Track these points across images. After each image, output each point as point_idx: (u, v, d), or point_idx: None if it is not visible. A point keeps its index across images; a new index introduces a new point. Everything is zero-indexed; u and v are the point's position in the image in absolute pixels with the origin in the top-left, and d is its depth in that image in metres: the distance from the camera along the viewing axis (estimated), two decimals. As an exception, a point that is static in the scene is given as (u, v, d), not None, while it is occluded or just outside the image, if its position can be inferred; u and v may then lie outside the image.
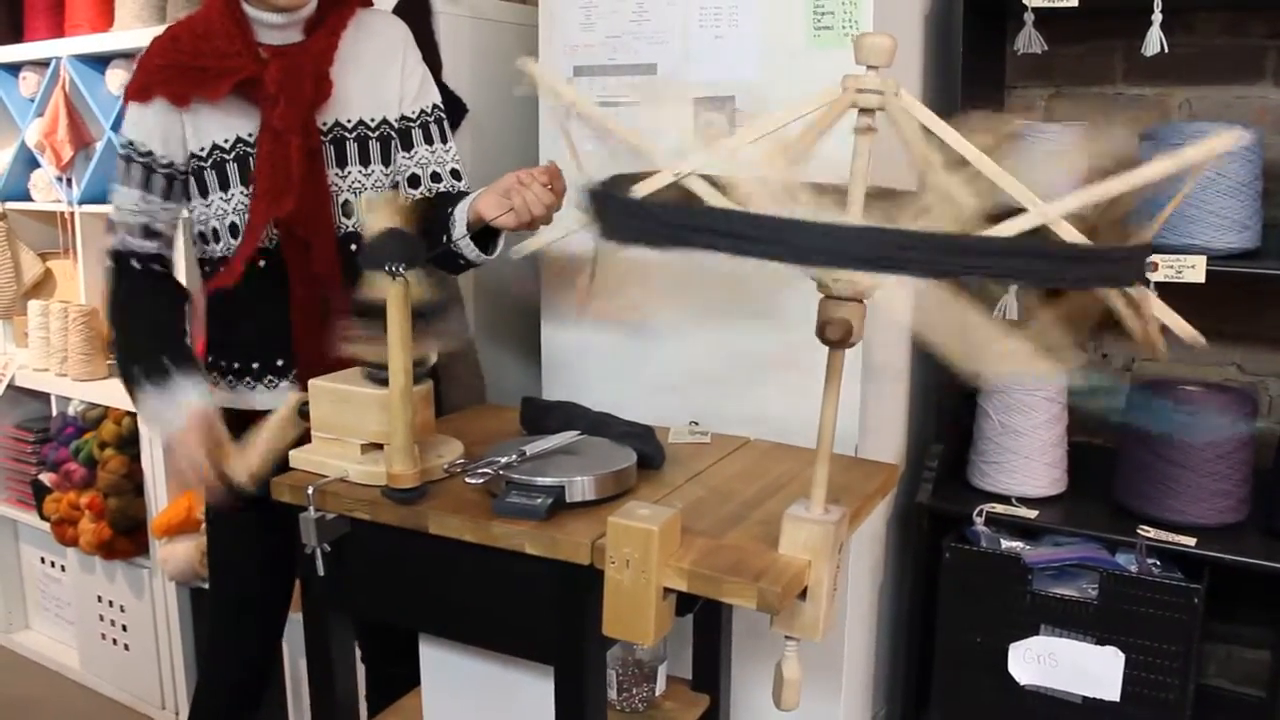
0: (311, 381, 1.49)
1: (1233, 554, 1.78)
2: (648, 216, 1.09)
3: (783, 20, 1.79)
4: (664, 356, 1.97)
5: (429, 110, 1.83)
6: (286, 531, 1.61)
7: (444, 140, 1.84)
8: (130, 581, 2.92)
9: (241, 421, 1.63)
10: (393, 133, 1.79)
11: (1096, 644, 1.82)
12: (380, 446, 1.42)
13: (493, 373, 2.31)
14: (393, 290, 1.31)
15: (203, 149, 1.71)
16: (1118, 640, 1.80)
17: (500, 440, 1.49)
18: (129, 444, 2.82)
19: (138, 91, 1.70)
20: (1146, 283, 1.16)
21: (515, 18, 2.35)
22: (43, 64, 3.05)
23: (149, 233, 1.73)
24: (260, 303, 1.72)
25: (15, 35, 3.22)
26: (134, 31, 2.78)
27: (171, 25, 1.80)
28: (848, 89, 1.14)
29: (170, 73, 1.68)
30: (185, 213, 1.78)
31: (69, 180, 3.02)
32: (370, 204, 1.37)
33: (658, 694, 1.73)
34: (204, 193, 1.73)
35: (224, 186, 1.72)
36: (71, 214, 3.03)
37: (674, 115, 1.84)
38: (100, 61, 2.92)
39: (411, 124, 1.81)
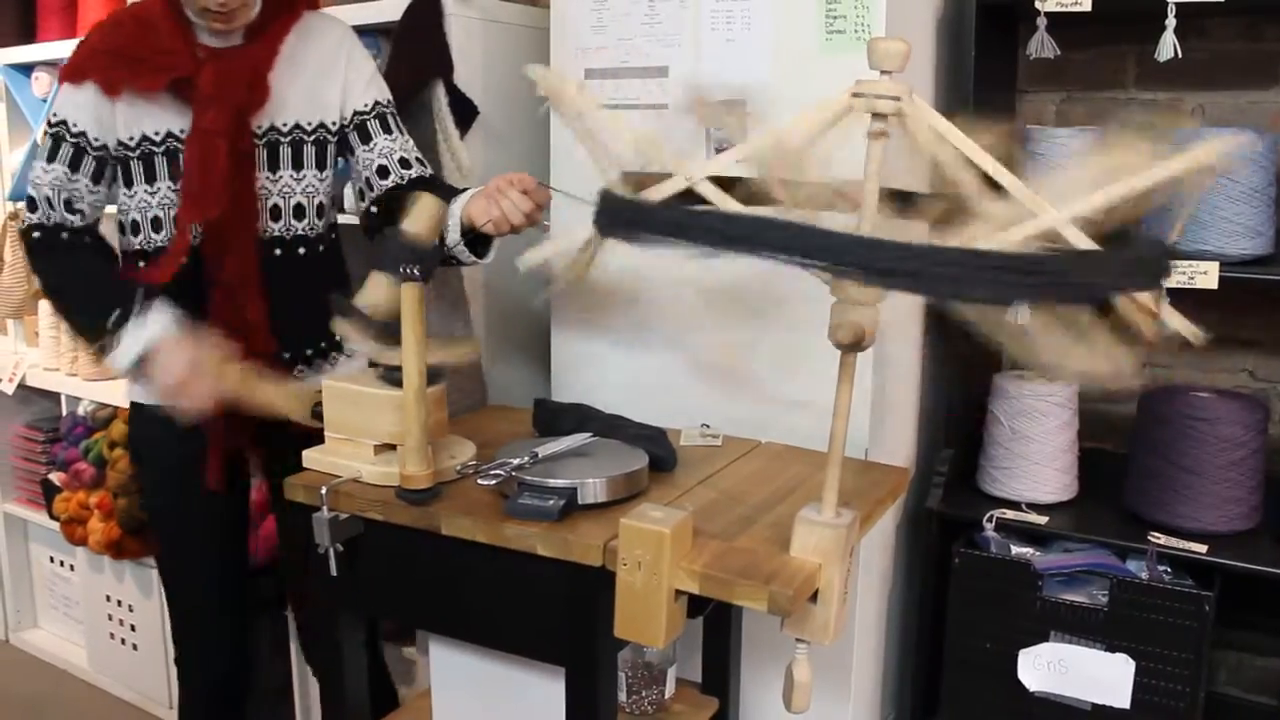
0: (326, 382, 1.49)
1: (1244, 561, 1.77)
2: (640, 213, 1.10)
3: (795, 23, 1.79)
4: (676, 359, 1.97)
5: (384, 103, 1.84)
6: (235, 524, 1.61)
7: (401, 132, 1.86)
8: (139, 581, 2.92)
9: (143, 417, 1.69)
10: (329, 137, 1.80)
11: (1106, 651, 1.81)
12: (393, 447, 1.42)
13: (502, 375, 2.31)
14: (406, 293, 1.31)
15: (131, 139, 1.69)
16: (1128, 647, 1.79)
17: (513, 442, 1.49)
18: (139, 444, 2.82)
19: (71, 73, 1.68)
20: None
21: (527, 20, 2.35)
22: (55, 64, 3.06)
23: (71, 209, 1.70)
24: (179, 298, 1.64)
25: (28, 35, 3.24)
26: (147, 32, 2.79)
27: (116, 10, 1.80)
28: (860, 93, 1.14)
29: (106, 59, 1.67)
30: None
31: (81, 180, 3.02)
32: (418, 209, 1.37)
33: (667, 697, 1.73)
34: (128, 183, 1.72)
35: (149, 179, 1.71)
36: (83, 214, 3.04)
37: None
38: (113, 62, 2.92)
39: (366, 116, 1.81)
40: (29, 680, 3.22)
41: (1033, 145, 1.95)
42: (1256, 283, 1.79)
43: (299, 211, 1.79)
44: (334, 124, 1.80)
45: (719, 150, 1.84)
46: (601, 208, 1.20)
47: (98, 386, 2.94)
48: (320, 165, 1.80)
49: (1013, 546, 1.95)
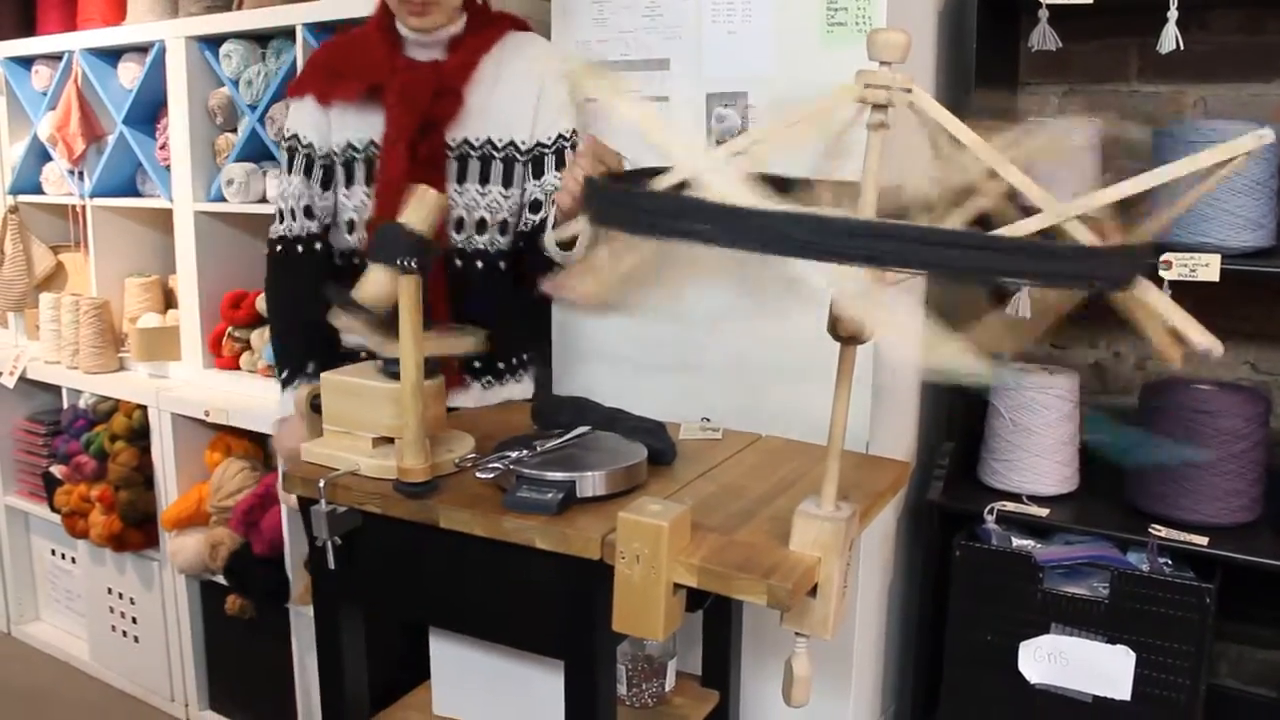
0: (324, 375, 1.49)
1: (1245, 554, 1.77)
2: (629, 204, 1.10)
3: (796, 16, 1.79)
4: (675, 353, 1.96)
5: (566, 135, 1.84)
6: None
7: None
8: (140, 574, 2.93)
9: None
10: (518, 155, 1.82)
11: (1107, 643, 1.81)
12: (391, 440, 1.42)
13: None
14: (404, 285, 1.31)
15: (338, 146, 1.81)
16: (1129, 639, 1.79)
17: (511, 435, 1.49)
18: (139, 437, 2.82)
19: (294, 88, 1.85)
20: (1159, 283, 1.15)
21: (529, 13, 2.33)
22: (55, 57, 3.06)
23: (310, 214, 1.84)
24: None
25: (28, 29, 3.23)
26: (146, 25, 2.79)
27: (339, 33, 1.94)
28: (861, 84, 1.14)
29: (321, 72, 1.82)
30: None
31: (80, 174, 3.03)
32: (417, 200, 1.37)
33: (667, 690, 1.73)
34: (345, 184, 1.84)
35: (349, 183, 1.82)
36: (83, 207, 3.04)
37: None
38: (112, 55, 2.92)
39: (546, 150, 1.82)
40: (31, 672, 3.23)
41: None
42: (1258, 275, 1.78)
43: (481, 226, 1.81)
44: (523, 144, 1.82)
45: (719, 143, 1.84)
46: (591, 196, 1.19)
47: (99, 380, 2.94)
48: (506, 183, 1.82)
49: (1014, 539, 1.95)
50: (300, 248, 1.84)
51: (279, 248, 1.85)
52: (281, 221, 1.85)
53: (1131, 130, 2.05)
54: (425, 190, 1.38)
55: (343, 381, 1.46)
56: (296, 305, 1.83)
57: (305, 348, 1.82)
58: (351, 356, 1.75)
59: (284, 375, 1.82)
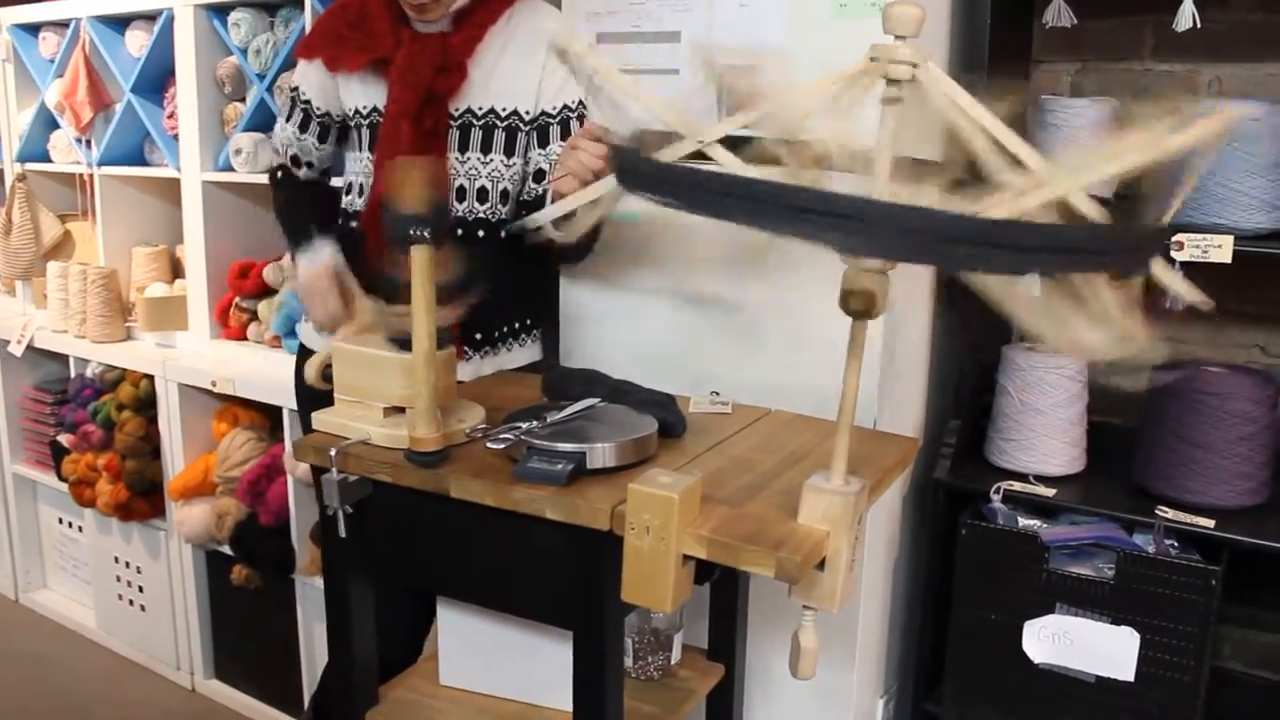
0: (335, 344, 1.49)
1: (1252, 537, 1.77)
2: (655, 171, 1.09)
3: (809, -12, 1.78)
4: (686, 326, 1.96)
5: (572, 106, 1.84)
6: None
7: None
8: (147, 543, 2.94)
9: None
10: (521, 124, 1.82)
11: (1112, 624, 1.81)
12: (402, 410, 1.42)
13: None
14: (416, 255, 1.31)
15: (345, 111, 1.86)
16: (1133, 620, 1.80)
17: (522, 406, 1.49)
18: (146, 406, 2.83)
19: (303, 48, 1.88)
20: (1171, 264, 1.14)
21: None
22: (63, 24, 3.05)
23: (298, 163, 1.96)
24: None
25: (36, -5, 3.22)
26: (155, -7, 2.77)
27: None
28: (875, 58, 1.13)
29: (329, 38, 1.83)
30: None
31: (88, 142, 3.02)
32: (405, 169, 1.36)
33: (674, 662, 1.74)
34: (322, 140, 1.93)
35: (355, 149, 1.87)
36: (91, 176, 3.04)
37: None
38: (120, 23, 2.92)
39: (551, 120, 1.83)
40: (38, 640, 3.25)
41: (1047, 115, 1.93)
42: (1271, 257, 1.77)
43: (482, 195, 1.82)
44: (527, 113, 1.82)
45: (730, 115, 1.83)
46: (621, 164, 1.19)
47: (106, 349, 2.95)
48: (509, 152, 1.82)
49: (1019, 518, 1.95)
50: (292, 176, 1.98)
51: (279, 174, 1.99)
52: (276, 157, 1.99)
53: (1144, 109, 2.04)
54: (406, 164, 1.36)
55: (355, 351, 1.46)
56: (297, 197, 1.97)
57: (308, 214, 1.90)
58: (350, 220, 1.88)
59: (294, 244, 1.88)
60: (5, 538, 3.46)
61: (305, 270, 1.83)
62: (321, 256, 1.81)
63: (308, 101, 1.89)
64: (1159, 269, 1.11)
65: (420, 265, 1.31)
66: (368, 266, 1.71)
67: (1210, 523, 1.80)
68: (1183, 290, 1.12)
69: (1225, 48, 2.06)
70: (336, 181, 2.00)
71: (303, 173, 1.97)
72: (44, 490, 3.35)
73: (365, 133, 1.83)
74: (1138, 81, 2.15)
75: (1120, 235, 1.06)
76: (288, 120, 1.93)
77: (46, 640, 3.25)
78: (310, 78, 1.87)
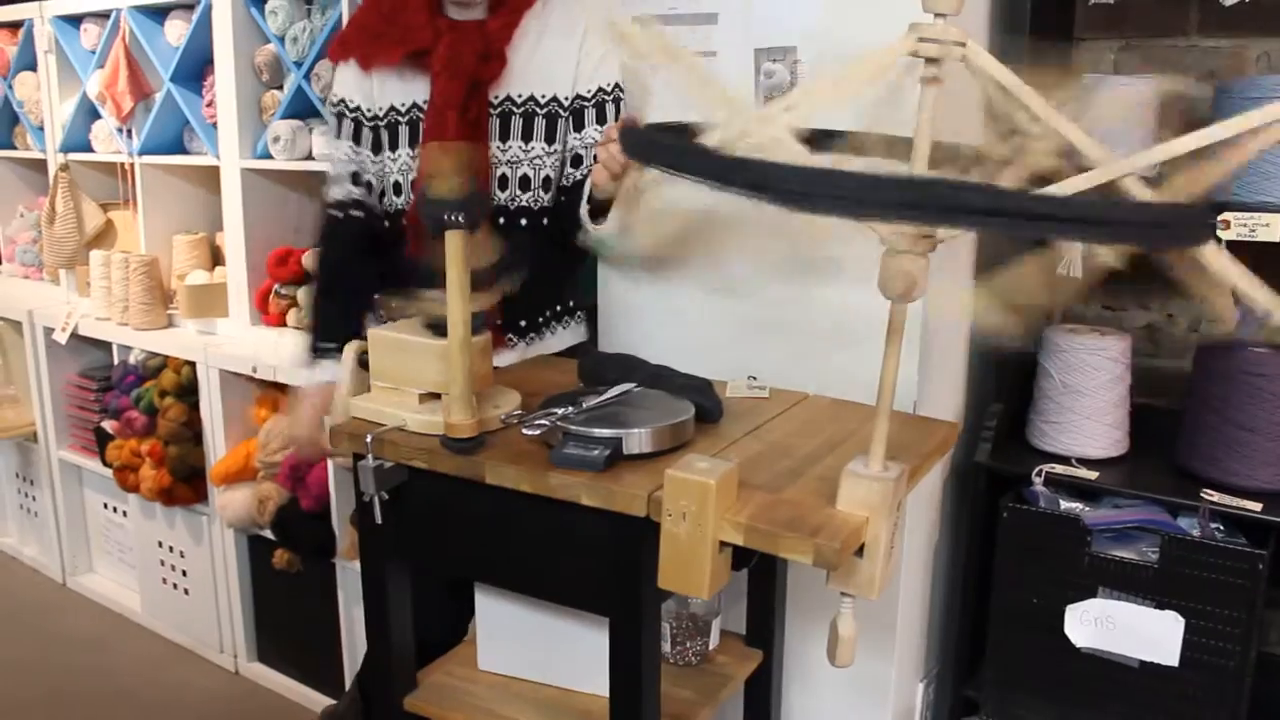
0: (370, 331, 1.49)
1: (1300, 520, 1.74)
2: (688, 152, 1.08)
3: (847, -32, 1.75)
4: (723, 310, 1.95)
5: (608, 89, 1.83)
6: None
7: (617, 120, 1.84)
8: (190, 527, 2.98)
9: None
10: (561, 111, 1.81)
11: (1156, 608, 1.79)
12: (438, 396, 1.42)
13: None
14: (450, 240, 1.30)
15: (382, 109, 1.81)
16: (1177, 605, 1.77)
17: (558, 392, 1.49)
18: (188, 393, 2.86)
19: (337, 49, 1.85)
20: (1218, 243, 1.11)
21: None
22: (103, 16, 3.08)
23: (358, 181, 1.87)
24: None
25: (77, -14, 3.24)
26: (193, -18, 2.79)
27: None
28: (915, 38, 1.11)
29: (361, 35, 1.81)
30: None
31: (129, 131, 3.05)
32: (439, 154, 1.36)
33: (711, 648, 1.73)
34: (376, 150, 1.85)
35: (393, 146, 1.82)
36: (132, 165, 3.07)
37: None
38: (159, 13, 2.94)
39: (585, 103, 1.82)
40: (85, 623, 3.30)
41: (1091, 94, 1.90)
42: (1321, 235, 1.73)
43: (525, 183, 1.81)
44: (566, 99, 1.81)
45: (768, 99, 1.81)
46: (629, 140, 1.18)
47: (148, 336, 2.98)
48: (549, 139, 1.81)
49: (1062, 501, 1.93)
50: (349, 213, 1.88)
51: (332, 211, 1.89)
52: (331, 187, 1.89)
53: (1191, 86, 2.00)
54: (439, 150, 1.36)
55: (390, 338, 1.46)
56: (341, 270, 1.88)
57: (341, 317, 1.84)
58: (387, 220, 1.84)
59: (313, 342, 1.86)
60: (52, 522, 3.51)
61: (312, 378, 1.85)
62: (334, 374, 1.75)
63: (356, 109, 1.84)
64: (1242, 281, 1.07)
65: (455, 251, 1.31)
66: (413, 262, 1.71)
67: (1257, 506, 1.77)
68: (1260, 297, 1.06)
69: (1274, 21, 2.01)
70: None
71: (356, 193, 1.88)
72: (89, 476, 3.40)
73: (405, 130, 1.80)
74: (1182, 59, 2.11)
75: (1164, 212, 1.04)
76: (338, 136, 1.87)
77: (93, 623, 3.30)
78: (349, 82, 1.84)
